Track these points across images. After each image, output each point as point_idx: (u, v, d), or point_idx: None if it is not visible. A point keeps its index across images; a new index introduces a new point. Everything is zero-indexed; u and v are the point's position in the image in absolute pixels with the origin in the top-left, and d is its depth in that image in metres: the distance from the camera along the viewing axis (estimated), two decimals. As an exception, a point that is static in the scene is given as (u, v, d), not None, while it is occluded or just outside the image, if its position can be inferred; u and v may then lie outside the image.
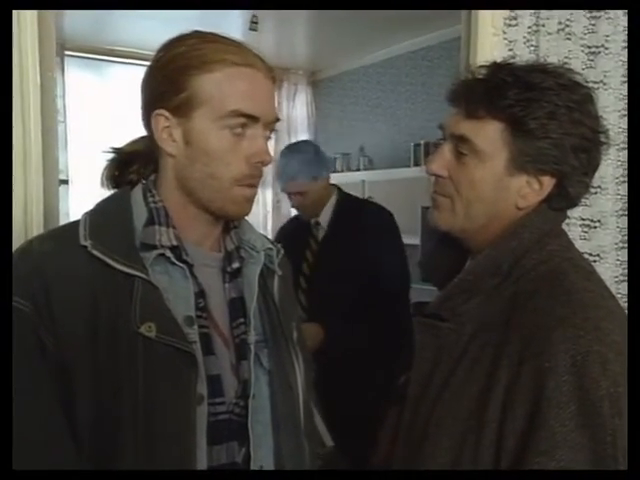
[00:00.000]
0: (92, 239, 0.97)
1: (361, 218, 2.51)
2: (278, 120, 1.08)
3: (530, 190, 1.02)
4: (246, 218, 1.17)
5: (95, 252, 0.96)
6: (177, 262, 1.02)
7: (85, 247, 0.97)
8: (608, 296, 1.00)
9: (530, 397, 0.89)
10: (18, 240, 1.22)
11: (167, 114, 1.02)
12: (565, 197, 1.04)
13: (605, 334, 0.89)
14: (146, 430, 0.94)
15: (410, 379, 1.08)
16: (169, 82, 1.01)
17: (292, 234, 2.62)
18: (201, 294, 1.04)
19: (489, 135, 1.01)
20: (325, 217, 2.54)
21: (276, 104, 1.08)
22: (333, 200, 2.55)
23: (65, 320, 0.94)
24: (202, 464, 0.97)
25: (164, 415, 0.95)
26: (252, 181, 1.04)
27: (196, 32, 1.04)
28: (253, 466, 1.03)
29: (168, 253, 1.01)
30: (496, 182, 1.02)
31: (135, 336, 0.94)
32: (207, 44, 1.01)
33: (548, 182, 1.02)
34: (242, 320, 1.08)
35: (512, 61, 1.06)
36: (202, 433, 0.97)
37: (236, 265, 1.10)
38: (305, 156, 2.53)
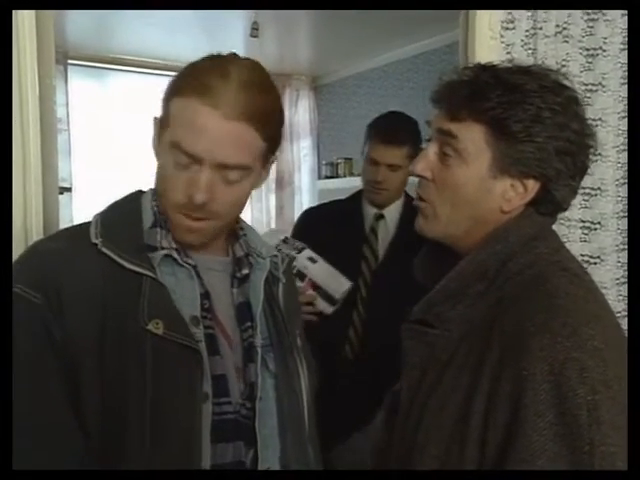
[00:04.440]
0: (102, 237, 1.01)
1: None
2: (245, 168, 1.01)
3: (515, 193, 1.01)
4: (251, 225, 1.21)
5: (105, 250, 1.00)
6: (183, 263, 1.04)
7: (95, 245, 1.00)
8: (592, 300, 0.97)
9: (509, 405, 0.88)
10: (18, 248, 1.23)
11: (157, 124, 1.05)
12: (551, 201, 1.03)
13: (584, 340, 0.87)
14: (152, 425, 0.95)
15: (401, 384, 1.08)
16: (167, 95, 1.04)
17: (334, 222, 2.24)
18: (206, 295, 1.06)
19: (472, 137, 0.99)
20: (392, 214, 2.23)
21: (246, 150, 1.01)
22: (402, 199, 2.25)
23: (74, 315, 0.96)
24: (206, 460, 0.98)
25: (170, 411, 0.97)
26: (190, 213, 1.02)
27: (211, 56, 1.03)
28: (261, 468, 1.05)
29: (175, 254, 1.04)
30: (479, 185, 1.01)
31: (143, 333, 0.97)
32: (197, 68, 1.01)
33: (532, 185, 1.00)
34: (249, 324, 1.10)
35: (497, 63, 1.05)
36: (207, 430, 0.99)
37: (245, 271, 1.13)
38: (415, 126, 2.22)
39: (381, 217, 2.23)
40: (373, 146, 2.19)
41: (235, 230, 1.16)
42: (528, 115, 0.96)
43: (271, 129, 1.03)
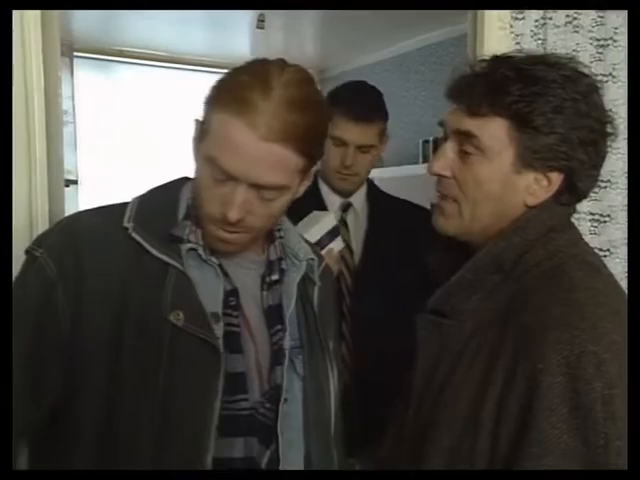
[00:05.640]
0: (135, 222, 1.01)
1: (401, 215, 1.95)
2: (282, 187, 0.99)
3: (539, 187, 0.99)
4: (293, 227, 1.19)
5: (135, 235, 1.00)
6: (207, 259, 1.03)
7: (126, 229, 1.00)
8: (613, 293, 0.96)
9: (523, 398, 0.87)
10: (22, 242, 1.22)
11: (198, 126, 1.02)
12: (574, 192, 1.02)
13: (602, 334, 0.86)
14: (163, 414, 0.95)
15: (413, 375, 1.07)
16: (207, 103, 1.00)
17: (294, 216, 1.82)
18: (233, 292, 1.05)
19: (494, 132, 0.98)
20: (360, 202, 1.97)
21: (283, 171, 0.97)
22: (365, 186, 1.99)
23: (92, 294, 0.97)
24: (212, 453, 0.98)
25: (182, 403, 0.97)
26: (224, 227, 1.00)
27: (255, 62, 1.00)
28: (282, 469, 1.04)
29: (200, 250, 1.03)
30: (503, 180, 0.99)
31: (163, 323, 0.97)
32: (240, 80, 0.96)
33: (556, 178, 0.99)
34: (280, 327, 1.09)
35: (513, 54, 1.03)
36: (214, 424, 0.98)
37: (275, 277, 1.11)
38: (382, 98, 1.94)
39: (349, 206, 1.95)
40: (339, 124, 1.81)
41: (272, 230, 1.14)
42: (550, 107, 0.95)
43: (312, 146, 0.99)
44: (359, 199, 1.96)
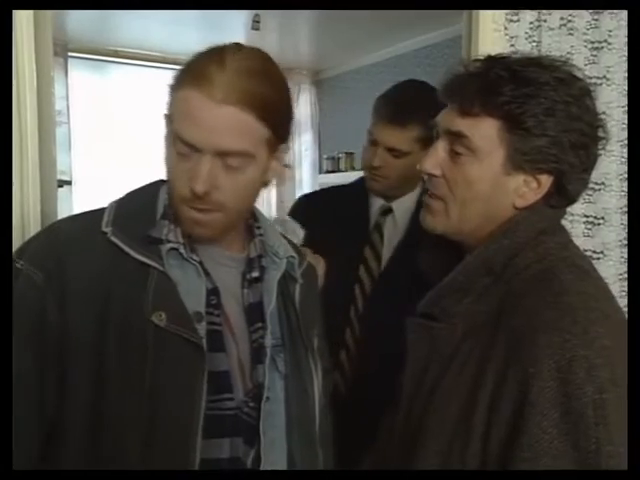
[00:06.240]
0: (113, 226, 1.01)
1: None
2: (244, 153, 0.98)
3: (528, 189, 0.99)
4: (272, 225, 1.20)
5: (113, 239, 1.00)
6: (188, 257, 1.03)
7: (105, 233, 1.00)
8: (603, 298, 0.96)
9: (514, 403, 0.87)
10: (15, 241, 1.22)
11: (167, 120, 1.03)
12: (564, 195, 1.02)
13: (593, 338, 0.86)
14: (150, 415, 0.95)
15: (404, 379, 1.07)
16: (170, 89, 1.02)
17: (334, 213, 1.78)
18: (214, 291, 1.05)
19: (485, 133, 0.97)
20: (403, 208, 1.79)
21: (243, 135, 0.98)
22: (418, 191, 1.76)
23: (75, 299, 0.96)
24: (199, 454, 0.97)
25: (169, 403, 0.96)
26: (195, 205, 1.00)
27: (212, 47, 1.02)
28: (263, 469, 1.04)
29: (181, 249, 1.03)
30: (493, 181, 0.99)
31: (146, 324, 0.97)
32: (195, 60, 1.00)
33: (546, 181, 0.99)
34: (260, 324, 1.09)
35: (507, 55, 1.03)
36: (200, 425, 0.98)
37: (255, 274, 1.11)
38: (432, 101, 1.92)
39: (389, 211, 1.80)
40: (376, 122, 1.75)
41: (251, 227, 1.14)
42: (542, 109, 0.95)
43: (275, 117, 0.99)
44: (403, 204, 1.79)
